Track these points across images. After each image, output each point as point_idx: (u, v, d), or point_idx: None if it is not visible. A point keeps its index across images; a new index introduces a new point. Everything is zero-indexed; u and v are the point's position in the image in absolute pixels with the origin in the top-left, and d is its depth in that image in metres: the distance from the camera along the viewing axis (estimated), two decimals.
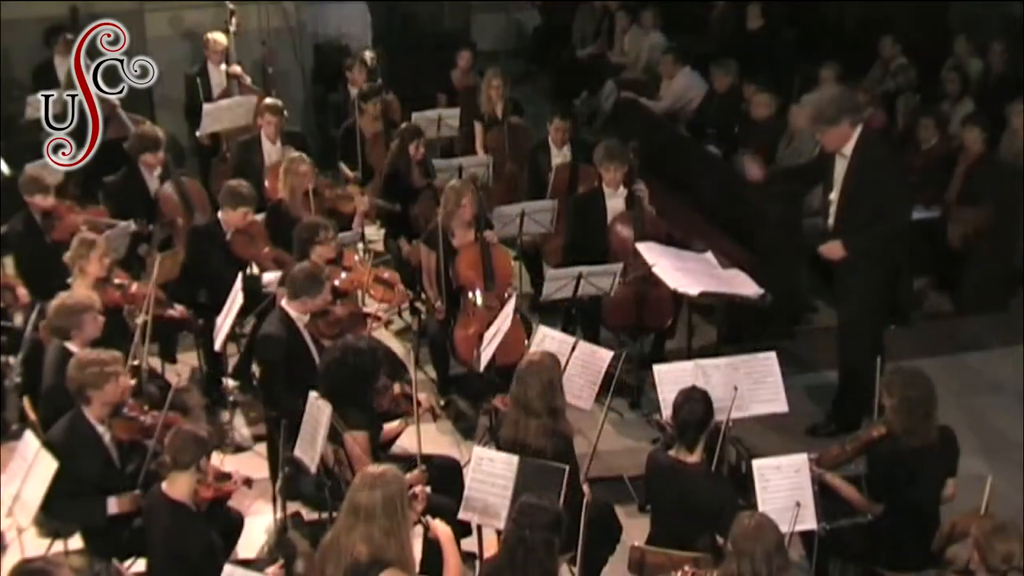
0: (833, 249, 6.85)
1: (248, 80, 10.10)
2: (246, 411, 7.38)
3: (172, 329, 7.31)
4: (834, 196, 6.86)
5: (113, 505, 5.41)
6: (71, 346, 6.03)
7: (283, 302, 6.40)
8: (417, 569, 4.67)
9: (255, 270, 7.55)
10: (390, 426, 5.97)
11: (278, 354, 6.28)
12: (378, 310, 7.15)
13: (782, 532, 4.55)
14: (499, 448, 5.47)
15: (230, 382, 7.33)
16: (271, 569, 5.01)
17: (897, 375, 5.40)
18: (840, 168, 6.78)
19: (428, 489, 5.11)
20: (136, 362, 6.38)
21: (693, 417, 5.19)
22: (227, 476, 5.53)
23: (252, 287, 6.98)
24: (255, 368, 6.97)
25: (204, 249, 7.38)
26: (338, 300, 6.85)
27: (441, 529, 4.90)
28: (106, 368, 5.50)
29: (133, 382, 5.96)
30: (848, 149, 6.71)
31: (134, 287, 6.93)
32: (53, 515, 5.54)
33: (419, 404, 5.80)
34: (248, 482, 5.67)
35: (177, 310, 7.03)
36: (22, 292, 7.24)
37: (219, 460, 6.55)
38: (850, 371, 6.99)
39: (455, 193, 7.43)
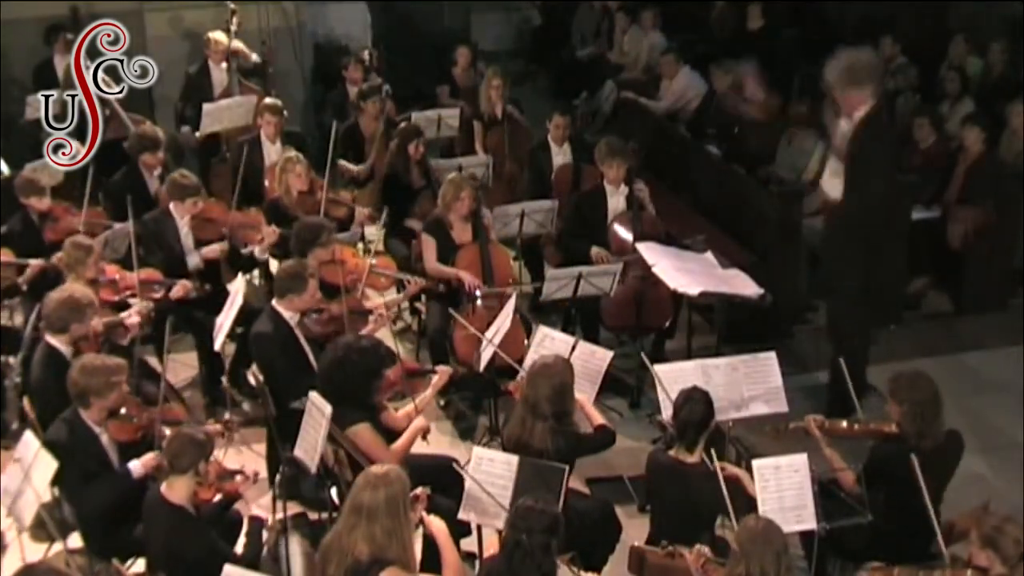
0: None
1: (253, 56, 10.11)
2: (241, 412, 7.38)
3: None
4: (835, 166, 6.85)
5: (138, 468, 5.42)
6: (59, 343, 6.04)
7: (273, 301, 6.42)
8: (417, 570, 4.68)
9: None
10: (405, 410, 5.96)
11: (272, 350, 6.29)
12: (383, 305, 7.15)
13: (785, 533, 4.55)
14: (503, 443, 5.48)
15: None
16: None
17: (902, 380, 5.39)
18: (842, 134, 6.80)
19: (428, 490, 5.11)
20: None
21: (693, 418, 5.20)
22: (232, 474, 5.51)
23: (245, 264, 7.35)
24: (252, 370, 6.99)
25: (152, 243, 7.38)
26: (336, 298, 6.85)
27: (436, 524, 4.90)
28: (112, 378, 5.50)
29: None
30: (858, 115, 6.71)
31: (126, 279, 6.93)
32: (80, 504, 5.52)
33: (441, 372, 6.05)
34: (256, 476, 5.66)
35: (183, 286, 7.02)
36: (34, 263, 7.17)
37: (220, 455, 6.55)
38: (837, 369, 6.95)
39: (454, 186, 7.47)
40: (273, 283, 6.53)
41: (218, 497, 5.43)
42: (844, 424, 5.64)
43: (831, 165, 6.99)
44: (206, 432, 5.23)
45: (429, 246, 7.50)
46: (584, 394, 5.79)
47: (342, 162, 9.23)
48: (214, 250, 7.51)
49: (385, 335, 7.97)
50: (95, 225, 7.64)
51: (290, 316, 6.40)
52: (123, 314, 6.51)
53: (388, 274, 7.52)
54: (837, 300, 7.03)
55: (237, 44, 9.99)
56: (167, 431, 5.43)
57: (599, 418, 5.73)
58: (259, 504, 6.38)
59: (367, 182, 9.10)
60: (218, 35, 9.99)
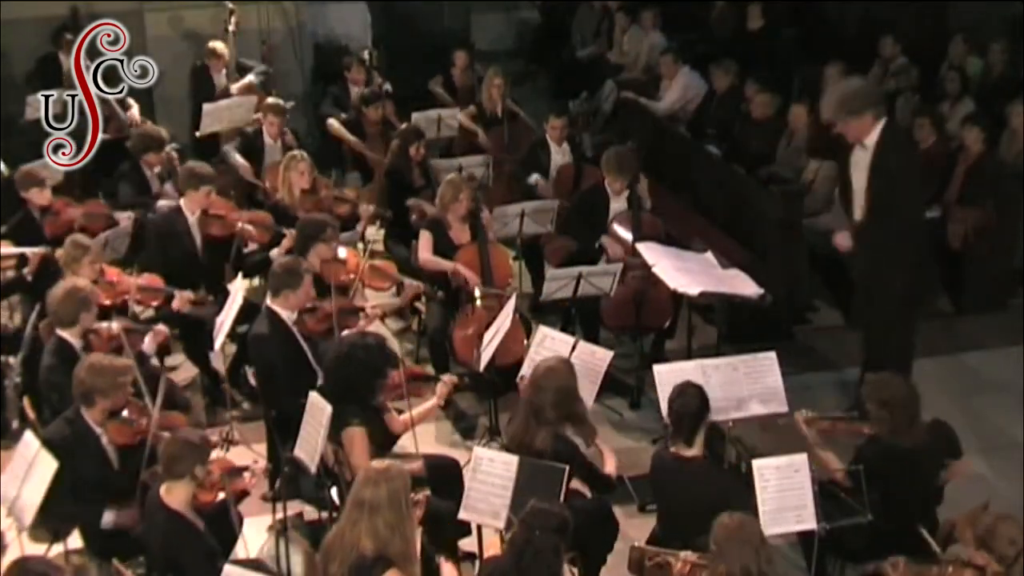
0: (843, 241, 6.80)
1: (250, 80, 10.12)
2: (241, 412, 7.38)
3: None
4: (857, 187, 6.81)
5: (109, 518, 5.42)
6: (70, 336, 6.05)
7: (268, 300, 6.41)
8: (419, 566, 4.68)
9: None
10: (405, 417, 5.95)
11: (270, 353, 6.28)
12: (374, 306, 7.15)
13: (763, 529, 4.58)
14: (505, 444, 5.47)
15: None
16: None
17: (876, 382, 5.42)
18: (860, 158, 6.77)
19: (428, 491, 5.12)
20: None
21: (686, 410, 5.21)
22: (239, 471, 5.50)
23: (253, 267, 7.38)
24: (250, 370, 7.00)
25: (162, 239, 7.38)
26: (330, 296, 6.84)
27: (448, 572, 4.92)
28: (119, 378, 5.51)
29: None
30: (871, 140, 6.69)
31: (124, 282, 6.92)
32: (51, 514, 5.54)
33: (444, 383, 6.04)
34: (267, 468, 5.65)
35: (182, 298, 6.99)
36: (27, 251, 7.17)
37: (222, 454, 6.55)
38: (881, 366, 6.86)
39: (452, 187, 7.49)
40: (269, 281, 6.50)
41: (220, 496, 5.41)
42: (827, 422, 5.64)
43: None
44: (203, 436, 5.21)
45: (426, 240, 7.51)
46: (607, 446, 5.76)
47: (331, 121, 9.15)
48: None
49: (385, 331, 8.00)
50: (97, 217, 7.63)
51: (287, 315, 6.39)
52: (146, 340, 6.46)
53: (387, 275, 7.52)
54: (887, 307, 6.96)
55: (246, 82, 9.98)
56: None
57: (611, 467, 5.67)
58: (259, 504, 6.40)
59: (366, 183, 9.10)
60: (220, 47, 10.01)
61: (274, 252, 7.57)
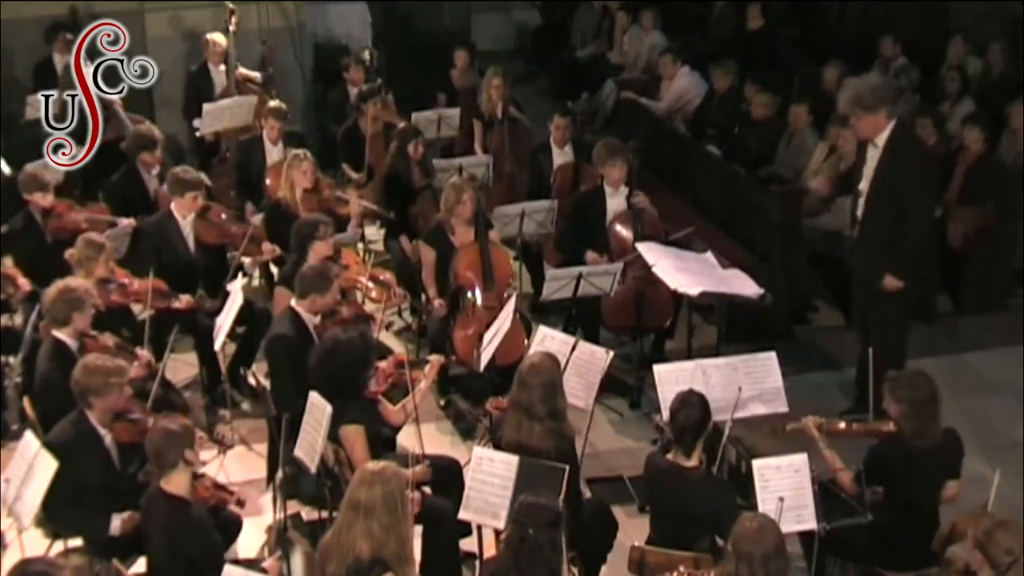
0: (892, 283, 6.76)
1: (256, 76, 10.11)
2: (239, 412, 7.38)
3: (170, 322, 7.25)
4: (864, 186, 6.82)
5: (116, 526, 5.40)
6: (65, 336, 6.06)
7: (293, 302, 6.41)
8: (416, 567, 4.68)
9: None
10: (402, 403, 5.97)
11: (287, 354, 6.28)
12: (374, 311, 7.14)
13: (783, 534, 4.54)
14: (502, 450, 5.47)
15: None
16: (268, 562, 5.01)
17: (901, 379, 5.39)
18: (871, 157, 6.77)
19: (428, 490, 5.11)
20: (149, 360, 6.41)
21: (690, 422, 5.16)
22: (223, 488, 5.54)
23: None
24: (249, 371, 7.01)
25: (155, 244, 7.36)
26: (343, 301, 6.85)
27: None
28: (111, 379, 5.51)
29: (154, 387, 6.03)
30: (881, 140, 6.69)
31: (135, 284, 6.93)
32: (56, 521, 5.54)
33: (432, 363, 6.06)
34: (241, 503, 5.66)
35: (182, 300, 6.99)
36: (23, 281, 7.17)
37: (219, 461, 6.57)
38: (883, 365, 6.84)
39: (455, 190, 7.46)
40: (296, 283, 6.49)
41: (212, 502, 5.43)
42: (842, 424, 5.64)
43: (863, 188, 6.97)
44: (181, 423, 5.20)
45: (428, 259, 7.50)
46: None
47: (344, 166, 9.25)
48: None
49: (388, 336, 8.01)
50: (99, 222, 7.63)
51: (309, 319, 6.39)
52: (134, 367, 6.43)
53: (389, 287, 7.48)
54: (884, 305, 6.96)
55: (244, 72, 10.00)
56: None
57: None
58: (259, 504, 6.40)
59: (366, 184, 9.10)
60: (216, 36, 10.01)
61: (248, 261, 7.57)
